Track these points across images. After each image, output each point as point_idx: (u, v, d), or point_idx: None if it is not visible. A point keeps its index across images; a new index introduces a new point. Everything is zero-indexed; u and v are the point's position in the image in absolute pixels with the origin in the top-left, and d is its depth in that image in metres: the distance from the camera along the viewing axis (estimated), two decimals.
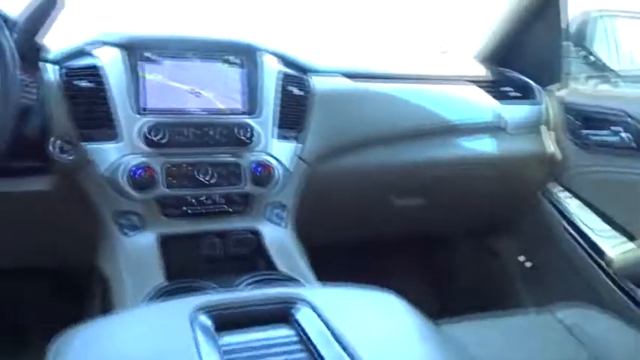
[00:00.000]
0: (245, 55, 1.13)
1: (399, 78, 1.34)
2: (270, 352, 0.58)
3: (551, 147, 1.42)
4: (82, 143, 1.00)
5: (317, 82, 1.20)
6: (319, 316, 0.62)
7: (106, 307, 0.94)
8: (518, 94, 1.46)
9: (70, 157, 0.98)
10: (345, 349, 0.57)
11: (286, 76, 1.16)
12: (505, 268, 1.59)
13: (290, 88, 1.15)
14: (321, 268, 1.06)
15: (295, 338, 0.61)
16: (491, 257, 1.63)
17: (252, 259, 1.05)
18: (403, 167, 1.32)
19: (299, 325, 0.62)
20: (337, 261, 1.30)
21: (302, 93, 1.17)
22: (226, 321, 0.62)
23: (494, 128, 1.38)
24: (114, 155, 1.01)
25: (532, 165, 1.44)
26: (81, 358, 0.56)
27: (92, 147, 1.00)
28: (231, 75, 1.11)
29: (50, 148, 0.98)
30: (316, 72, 1.22)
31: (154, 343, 0.58)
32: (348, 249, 1.45)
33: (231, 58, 1.12)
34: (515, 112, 1.41)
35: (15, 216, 1.06)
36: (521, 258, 1.55)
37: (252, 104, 1.11)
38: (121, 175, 0.99)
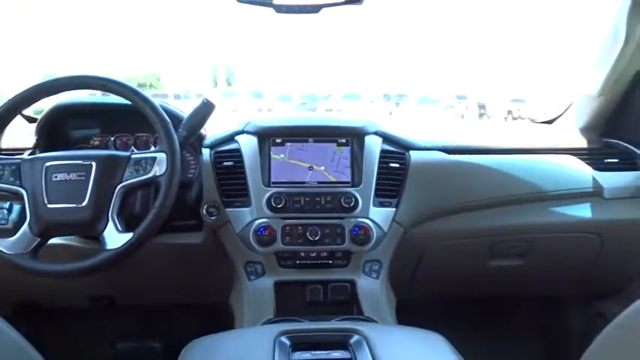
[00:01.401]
0: (352, 137, 1.37)
1: (495, 151, 1.48)
2: None
3: None
4: (224, 208, 1.31)
5: (414, 156, 1.39)
6: (368, 344, 0.82)
7: None
8: (622, 163, 1.50)
9: (214, 218, 1.29)
10: None
11: (387, 152, 1.38)
12: None
13: (389, 163, 1.36)
14: (416, 320, 1.22)
15: (347, 359, 0.80)
16: (600, 320, 1.63)
17: (347, 304, 1.25)
18: (496, 231, 1.43)
19: (352, 350, 0.82)
20: (435, 315, 1.44)
21: (399, 166, 1.37)
22: (300, 342, 0.84)
23: (590, 194, 1.43)
24: (246, 218, 1.29)
25: (636, 231, 1.46)
26: (199, 357, 0.82)
27: (230, 211, 1.30)
28: (341, 153, 1.36)
29: (202, 211, 1.30)
30: (416, 148, 1.43)
31: (246, 352, 0.82)
32: (445, 303, 1.58)
33: (341, 139, 1.37)
34: (615, 179, 1.46)
35: (174, 263, 1.39)
36: None
37: (357, 177, 1.34)
38: (250, 234, 1.27)
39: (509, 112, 18.08)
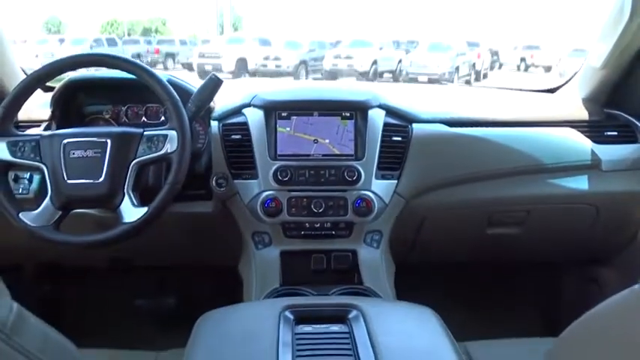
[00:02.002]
0: (357, 110, 1.40)
1: (496, 123, 1.51)
2: (326, 339, 0.87)
3: None
4: (233, 180, 1.37)
5: (416, 129, 1.42)
6: (365, 319, 0.89)
7: (238, 299, 1.30)
8: (622, 136, 1.53)
9: (223, 189, 1.35)
10: (372, 344, 0.83)
11: (390, 125, 1.41)
12: (605, 296, 1.66)
13: (392, 136, 1.40)
14: (414, 289, 1.29)
15: (345, 333, 0.88)
16: (593, 285, 1.71)
17: (349, 273, 1.32)
18: (495, 202, 1.48)
19: (350, 324, 0.90)
20: (432, 283, 1.53)
21: (401, 139, 1.40)
22: (303, 316, 0.92)
23: (588, 167, 1.47)
24: (254, 190, 1.35)
25: (631, 202, 1.51)
26: (212, 328, 0.91)
27: (239, 183, 1.36)
28: (345, 127, 1.40)
29: (211, 182, 1.36)
30: (418, 120, 1.46)
31: (254, 325, 0.90)
32: (443, 271, 1.66)
33: (346, 113, 1.40)
34: (614, 151, 1.49)
35: (187, 230, 1.47)
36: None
37: (360, 150, 1.38)
38: (257, 205, 1.33)
39: (523, 59, 17.75)
